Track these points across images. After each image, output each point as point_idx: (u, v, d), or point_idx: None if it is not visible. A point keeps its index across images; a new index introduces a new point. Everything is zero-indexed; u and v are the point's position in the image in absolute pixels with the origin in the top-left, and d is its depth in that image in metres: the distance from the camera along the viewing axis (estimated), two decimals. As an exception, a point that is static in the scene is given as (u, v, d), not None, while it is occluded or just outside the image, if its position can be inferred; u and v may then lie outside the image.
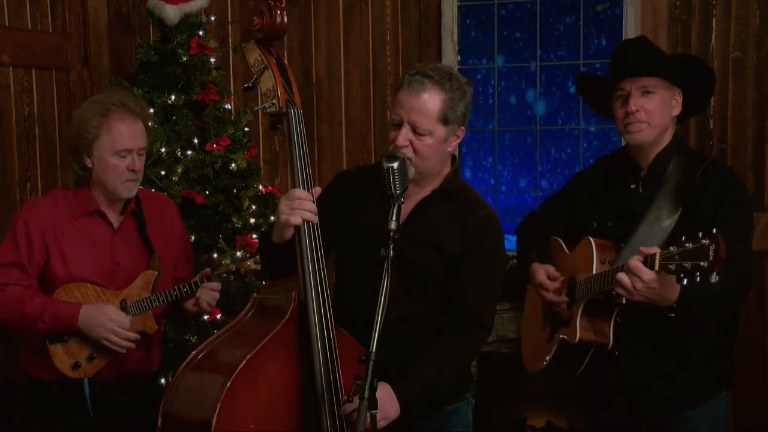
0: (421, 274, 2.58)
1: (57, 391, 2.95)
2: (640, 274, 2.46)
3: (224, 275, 3.03)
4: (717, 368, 2.84)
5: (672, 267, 2.37)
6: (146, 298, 2.96)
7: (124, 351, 2.90)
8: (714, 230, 2.32)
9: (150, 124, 3.09)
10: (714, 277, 2.31)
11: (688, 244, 2.34)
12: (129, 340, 2.89)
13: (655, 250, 2.45)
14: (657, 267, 2.43)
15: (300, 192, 2.40)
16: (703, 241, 2.30)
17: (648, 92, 2.76)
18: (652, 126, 2.77)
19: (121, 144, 2.93)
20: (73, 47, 4.47)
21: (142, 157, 3.00)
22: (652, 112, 2.76)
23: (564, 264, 2.98)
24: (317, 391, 2.33)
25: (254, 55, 2.43)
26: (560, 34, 4.52)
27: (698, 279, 2.33)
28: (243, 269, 3.07)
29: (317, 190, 2.46)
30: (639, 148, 2.84)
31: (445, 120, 2.53)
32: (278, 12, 2.36)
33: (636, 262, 2.47)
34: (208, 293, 3.01)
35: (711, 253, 2.28)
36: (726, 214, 2.69)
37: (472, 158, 4.72)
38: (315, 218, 2.40)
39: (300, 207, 2.37)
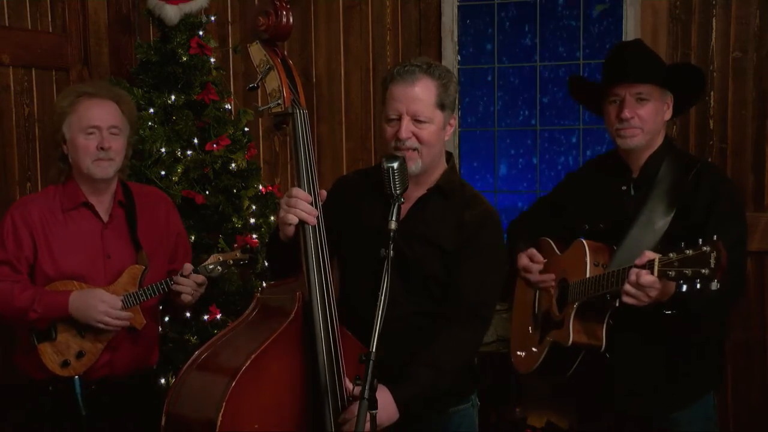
0: (420, 272, 2.58)
1: (50, 391, 2.95)
2: (651, 286, 2.45)
3: (211, 266, 3.05)
4: (705, 369, 2.85)
5: (672, 274, 2.35)
6: (133, 293, 2.95)
7: (119, 329, 2.91)
8: (714, 237, 2.28)
9: (130, 108, 3.08)
10: (715, 284, 2.27)
11: (688, 251, 2.32)
12: (122, 318, 2.90)
13: (653, 256, 2.44)
14: (656, 274, 2.41)
15: (297, 191, 2.39)
16: (704, 248, 2.28)
17: (642, 99, 2.77)
18: (645, 131, 2.79)
19: (87, 120, 2.92)
20: (73, 47, 4.46)
21: (117, 137, 2.97)
22: (646, 119, 2.78)
23: (555, 264, 2.98)
24: (321, 391, 2.32)
25: (259, 55, 2.43)
26: (560, 34, 4.52)
27: (698, 286, 2.30)
28: (230, 260, 3.10)
29: (323, 193, 2.45)
30: (630, 152, 2.85)
31: (441, 105, 2.57)
32: (284, 12, 2.37)
33: (648, 276, 2.44)
34: (185, 282, 2.98)
35: (712, 261, 2.25)
36: (720, 217, 2.69)
37: (471, 158, 4.72)
38: (312, 220, 2.38)
39: (296, 206, 2.37)
